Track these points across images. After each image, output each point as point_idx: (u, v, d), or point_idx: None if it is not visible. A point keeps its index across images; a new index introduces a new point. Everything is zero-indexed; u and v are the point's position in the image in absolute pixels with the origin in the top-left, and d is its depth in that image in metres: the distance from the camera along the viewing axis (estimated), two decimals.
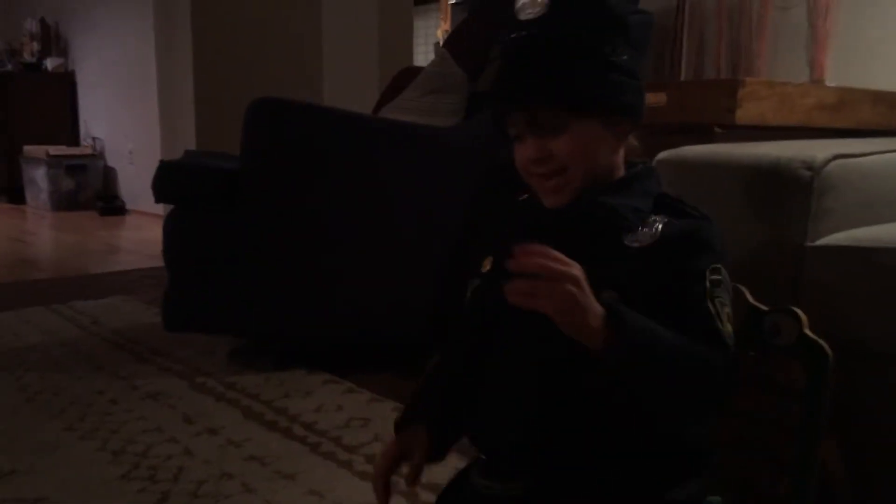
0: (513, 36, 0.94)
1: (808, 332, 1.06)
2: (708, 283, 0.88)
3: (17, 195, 6.45)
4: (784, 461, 1.13)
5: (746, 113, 1.59)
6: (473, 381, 1.13)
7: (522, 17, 0.93)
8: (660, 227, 0.92)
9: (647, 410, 0.89)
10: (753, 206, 1.23)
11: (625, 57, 0.92)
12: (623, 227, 0.93)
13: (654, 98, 1.72)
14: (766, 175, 1.24)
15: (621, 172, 0.98)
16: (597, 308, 0.85)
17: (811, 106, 1.71)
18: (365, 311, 2.16)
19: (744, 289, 1.14)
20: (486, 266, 1.07)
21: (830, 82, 1.99)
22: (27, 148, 6.27)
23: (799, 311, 1.08)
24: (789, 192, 1.21)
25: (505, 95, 0.97)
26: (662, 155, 1.41)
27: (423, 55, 5.81)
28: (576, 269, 0.83)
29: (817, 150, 1.22)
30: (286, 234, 2.11)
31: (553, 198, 0.97)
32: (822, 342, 1.02)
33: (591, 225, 0.95)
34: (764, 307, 1.12)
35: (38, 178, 6.16)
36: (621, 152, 0.97)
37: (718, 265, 0.89)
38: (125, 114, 5.96)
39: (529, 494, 0.93)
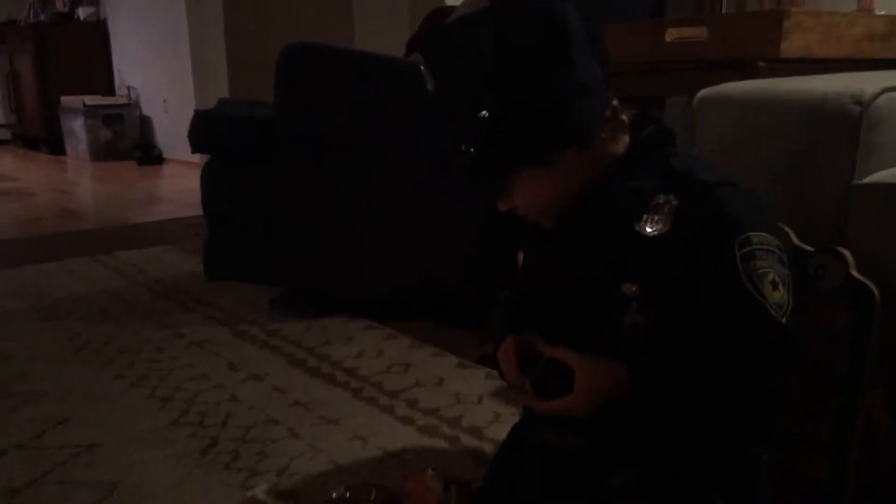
0: None
1: (854, 273, 1.04)
2: (739, 261, 0.84)
3: (56, 146, 6.54)
4: (829, 407, 1.12)
5: (792, 45, 1.52)
6: None
7: (428, 87, 0.94)
8: (672, 209, 0.87)
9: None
10: (799, 143, 1.19)
11: (513, 106, 0.88)
12: (628, 214, 0.90)
13: (694, 32, 1.66)
14: (812, 110, 1.19)
15: (621, 147, 0.94)
16: (609, 377, 0.87)
17: (860, 36, 1.64)
18: (401, 262, 2.16)
19: (788, 229, 1.12)
20: (519, 262, 1.09)
21: (880, 10, 1.90)
22: (64, 98, 6.32)
23: (845, 252, 1.05)
24: (837, 127, 1.16)
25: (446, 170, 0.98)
26: (704, 92, 1.36)
27: None
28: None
29: (866, 83, 1.17)
30: (322, 183, 2.10)
31: (545, 224, 0.98)
32: (868, 283, 0.99)
33: (595, 218, 0.93)
34: (808, 248, 1.09)
35: (77, 129, 6.23)
36: (601, 147, 0.93)
37: (747, 234, 0.85)
38: (158, 62, 5.97)
39: (592, 450, 0.94)
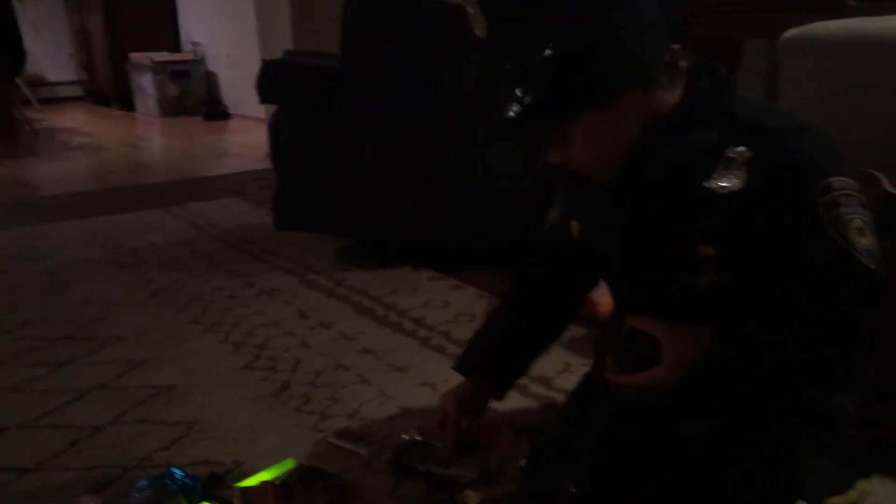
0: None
1: None
2: (822, 210, 0.80)
3: (126, 102, 6.67)
4: None
5: None
6: (533, 329, 1.20)
7: (476, 31, 0.88)
8: (744, 162, 0.84)
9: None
10: (894, 86, 1.13)
11: (577, 42, 0.82)
12: (695, 171, 0.86)
13: None
14: None
15: (677, 96, 0.89)
16: (696, 346, 0.88)
17: None
18: (467, 211, 2.15)
19: (880, 175, 1.07)
20: (574, 231, 1.06)
21: None
22: (133, 55, 6.43)
23: None
24: None
25: (492, 120, 0.92)
26: (790, 33, 1.31)
27: None
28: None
29: None
30: (389, 132, 2.10)
31: (601, 179, 0.93)
32: None
33: (659, 175, 0.90)
34: None
35: (146, 85, 6.34)
36: (659, 94, 0.88)
37: (827, 180, 0.81)
38: (223, 17, 6.00)
39: (666, 404, 0.92)
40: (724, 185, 0.84)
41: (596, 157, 0.90)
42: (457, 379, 1.51)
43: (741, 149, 0.84)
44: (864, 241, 0.81)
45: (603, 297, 1.65)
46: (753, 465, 0.88)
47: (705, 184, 0.85)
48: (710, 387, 0.88)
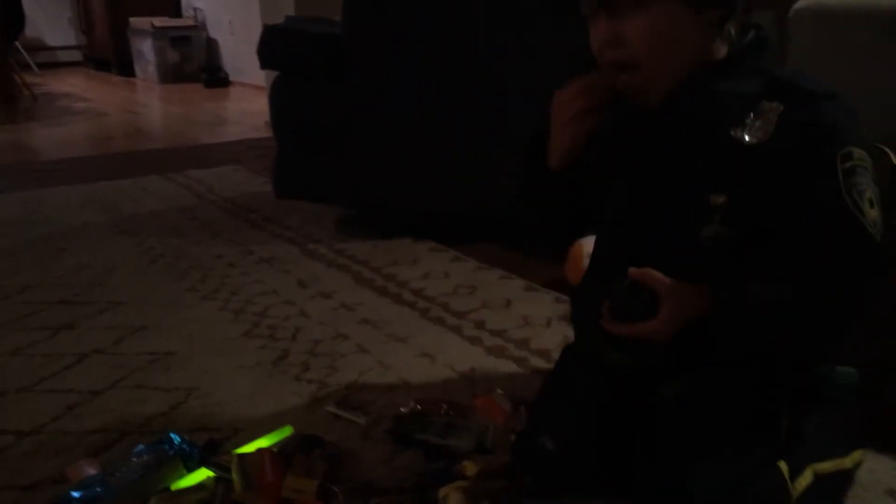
0: None
1: None
2: (840, 175, 0.82)
3: (126, 67, 6.62)
4: None
5: None
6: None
7: None
8: (775, 118, 0.85)
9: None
10: None
11: None
12: (728, 117, 0.87)
13: None
14: None
15: (723, 53, 0.90)
16: (695, 302, 0.86)
17: None
18: (470, 182, 2.13)
19: (888, 150, 1.06)
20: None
21: None
22: (133, 20, 6.36)
23: None
24: None
25: None
26: (800, 5, 1.29)
27: None
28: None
29: None
30: (391, 102, 2.08)
31: (636, 98, 0.91)
32: None
33: (691, 117, 0.90)
34: None
35: (146, 51, 6.28)
36: (717, 44, 0.89)
37: (849, 148, 0.83)
38: None
39: (654, 371, 0.92)
40: (749, 136, 0.86)
41: (650, 58, 0.87)
42: (454, 355, 1.51)
43: (774, 103, 0.86)
44: (873, 213, 0.84)
45: None
46: (729, 422, 0.89)
47: (732, 132, 0.86)
48: (693, 351, 0.89)
